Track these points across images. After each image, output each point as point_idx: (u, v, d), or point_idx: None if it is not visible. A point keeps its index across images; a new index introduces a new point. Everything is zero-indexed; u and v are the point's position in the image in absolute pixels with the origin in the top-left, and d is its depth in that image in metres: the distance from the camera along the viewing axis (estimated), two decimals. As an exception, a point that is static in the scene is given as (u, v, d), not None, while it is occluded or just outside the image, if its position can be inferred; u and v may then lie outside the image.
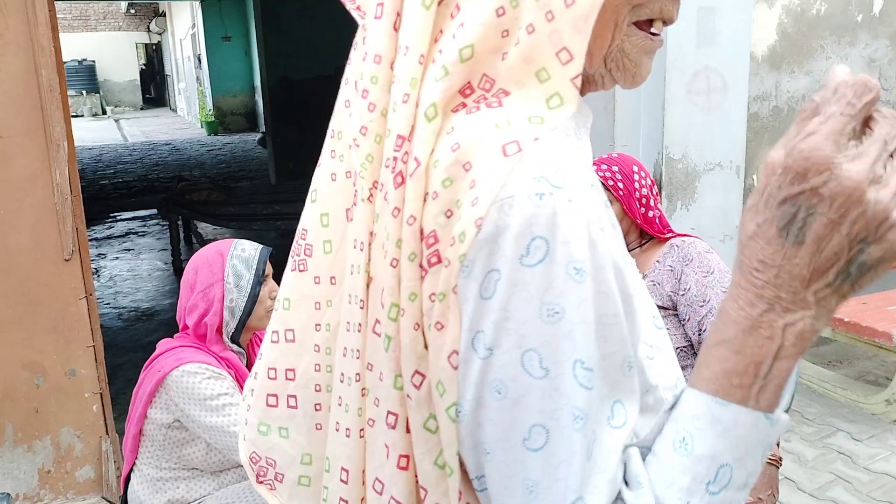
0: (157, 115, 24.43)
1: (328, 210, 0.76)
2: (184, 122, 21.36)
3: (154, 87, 27.97)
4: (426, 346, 0.64)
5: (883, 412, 3.49)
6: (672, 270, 2.02)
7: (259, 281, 1.93)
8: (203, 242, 6.99)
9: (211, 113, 17.73)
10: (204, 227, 7.80)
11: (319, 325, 0.78)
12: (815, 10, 3.86)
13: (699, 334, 1.95)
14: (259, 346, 2.07)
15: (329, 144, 0.77)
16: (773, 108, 3.89)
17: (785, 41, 3.82)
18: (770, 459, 1.71)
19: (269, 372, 0.82)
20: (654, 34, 0.71)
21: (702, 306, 1.95)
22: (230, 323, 1.93)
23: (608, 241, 0.61)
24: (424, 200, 0.62)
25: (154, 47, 27.75)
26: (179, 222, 6.62)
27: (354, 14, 0.71)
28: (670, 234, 2.10)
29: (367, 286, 0.69)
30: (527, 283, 0.58)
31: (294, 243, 0.80)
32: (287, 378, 0.81)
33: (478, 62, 0.64)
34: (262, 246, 1.99)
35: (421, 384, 0.64)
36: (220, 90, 17.50)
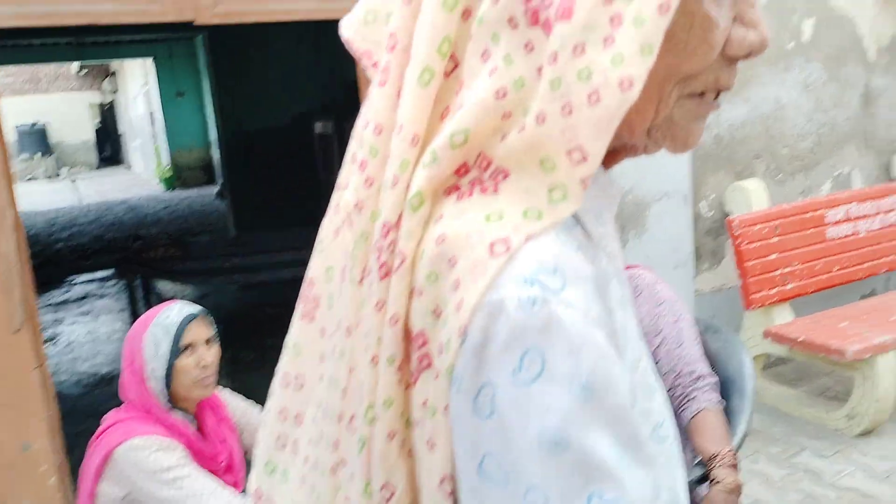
0: (112, 173, 24.17)
1: (332, 264, 0.70)
2: (140, 179, 21.16)
3: (109, 145, 27.75)
4: (410, 455, 0.59)
5: (845, 427, 3.55)
6: (623, 303, 2.05)
7: (176, 351, 1.86)
8: (162, 301, 6.89)
9: (167, 168, 17.62)
10: (164, 286, 7.70)
11: (323, 376, 0.73)
12: (748, 41, 3.99)
13: (654, 366, 1.98)
14: (210, 411, 2.04)
15: (335, 198, 0.71)
16: (715, 137, 4.00)
17: (722, 72, 3.94)
18: (730, 486, 1.72)
19: (280, 413, 0.77)
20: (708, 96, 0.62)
21: (655, 337, 1.98)
22: (159, 394, 1.87)
23: (612, 346, 0.55)
24: (411, 296, 0.57)
25: (107, 106, 27.58)
26: (138, 282, 6.53)
27: (371, 72, 0.65)
28: (620, 267, 2.13)
29: (350, 373, 0.64)
30: (523, 405, 0.51)
31: (302, 289, 0.74)
32: (296, 422, 0.76)
33: (473, 145, 0.58)
34: (191, 311, 1.94)
35: (390, 498, 0.60)
36: (176, 145, 17.42)
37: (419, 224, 0.58)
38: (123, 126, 26.26)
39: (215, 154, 14.08)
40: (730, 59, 0.60)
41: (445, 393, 0.55)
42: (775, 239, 3.85)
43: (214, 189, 14.99)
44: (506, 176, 0.57)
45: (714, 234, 4.09)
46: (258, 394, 1.44)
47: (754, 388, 2.08)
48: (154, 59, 16.51)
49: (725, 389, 2.09)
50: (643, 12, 0.52)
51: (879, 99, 4.51)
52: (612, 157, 0.66)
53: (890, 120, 4.58)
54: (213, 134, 13.16)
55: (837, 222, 4.06)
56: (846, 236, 4.08)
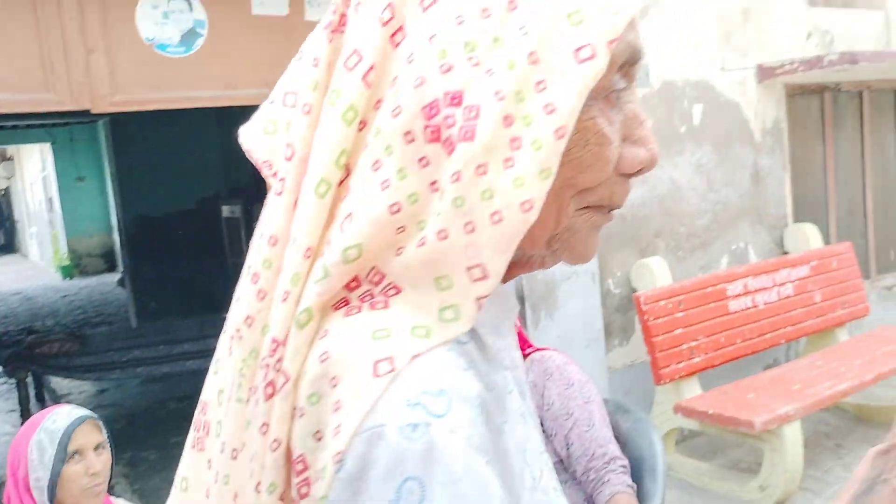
0: (7, 262, 22.98)
1: (224, 387, 0.65)
2: (36, 267, 20.18)
3: (3, 233, 26.52)
4: None
5: (759, 499, 3.58)
6: (535, 386, 2.03)
7: (62, 458, 1.74)
8: (57, 399, 6.47)
9: (66, 256, 16.89)
10: (59, 382, 7.24)
11: None
12: (644, 125, 4.18)
13: (567, 449, 1.95)
14: None
15: (232, 309, 0.69)
16: (618, 216, 4.10)
17: (621, 154, 4.10)
18: None
19: None
20: (605, 208, 0.64)
21: (566, 420, 1.96)
22: None
23: (496, 472, 0.53)
24: (293, 418, 0.55)
25: (2, 192, 26.48)
26: (29, 379, 6.11)
27: (270, 181, 0.64)
28: (530, 350, 2.12)
29: (234, 500, 0.61)
30: None
31: (196, 414, 0.70)
32: None
33: (367, 259, 0.57)
34: (79, 415, 1.82)
35: None
36: (76, 232, 16.78)
37: (306, 342, 0.56)
38: (19, 212, 25.19)
39: (117, 240, 13.64)
40: (623, 175, 0.62)
41: None
42: (680, 314, 3.95)
43: (115, 277, 14.44)
44: (398, 292, 0.57)
45: (623, 311, 4.17)
46: (161, 497, 1.32)
47: (665, 467, 2.08)
48: (53, 143, 16.04)
49: (638, 470, 2.09)
50: (541, 136, 0.54)
51: (767, 178, 4.78)
52: (510, 271, 0.65)
53: (778, 197, 4.85)
54: (114, 219, 12.77)
55: (737, 296, 4.21)
56: (746, 309, 4.23)
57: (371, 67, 0.58)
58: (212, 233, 8.95)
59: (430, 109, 0.56)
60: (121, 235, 10.13)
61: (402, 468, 0.49)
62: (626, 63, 0.61)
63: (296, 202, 0.60)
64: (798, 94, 4.99)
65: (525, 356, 2.11)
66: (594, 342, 3.85)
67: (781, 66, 4.55)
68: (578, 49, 0.56)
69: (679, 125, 4.34)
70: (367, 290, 0.58)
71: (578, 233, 0.63)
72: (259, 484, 0.57)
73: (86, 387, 6.87)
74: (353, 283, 0.58)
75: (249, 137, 0.66)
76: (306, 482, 0.53)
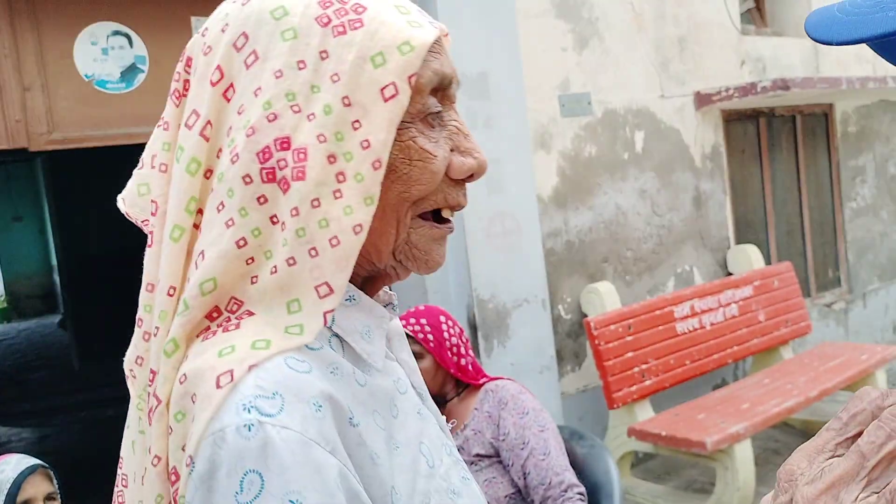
0: (-61, 307, 22.05)
1: (135, 438, 0.72)
2: (-28, 311, 19.41)
3: (-65, 276, 25.46)
4: None
5: (713, 518, 3.62)
6: (490, 416, 2.02)
7: None
8: (-6, 447, 6.19)
9: (3, 299, 16.31)
10: (-4, 429, 6.95)
11: None
12: (588, 153, 4.27)
13: (524, 478, 1.94)
14: None
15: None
16: (566, 243, 4.17)
17: (566, 182, 4.16)
18: None
19: None
20: (443, 220, 0.73)
21: (522, 449, 1.95)
22: None
23: (339, 459, 0.60)
24: (167, 435, 0.62)
25: (-66, 234, 25.49)
26: (-36, 428, 5.86)
27: (146, 229, 0.73)
28: (484, 379, 2.12)
29: None
30: None
31: (117, 471, 0.76)
32: None
33: (223, 290, 0.65)
34: (28, 465, 1.76)
35: None
36: (13, 273, 16.22)
37: (173, 368, 0.64)
38: (-47, 255, 24.27)
39: (57, 280, 13.25)
40: (455, 182, 0.73)
41: None
42: (630, 337, 3.99)
43: (56, 318, 13.99)
44: (251, 315, 0.65)
45: (574, 336, 4.20)
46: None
47: (621, 492, 2.09)
48: (-11, 183, 15.55)
49: (594, 496, 2.09)
50: (361, 170, 0.65)
51: (709, 201, 4.90)
52: (372, 285, 0.75)
53: (720, 219, 4.98)
54: (54, 259, 12.41)
55: (684, 317, 4.28)
56: (694, 330, 4.30)
57: (207, 123, 0.68)
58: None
59: (264, 154, 0.65)
60: (61, 276, 9.85)
61: (242, 463, 0.56)
62: (438, 88, 0.71)
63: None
64: (734, 120, 5.15)
65: (479, 386, 2.10)
66: (547, 369, 3.87)
67: (717, 93, 4.70)
68: (383, 88, 0.66)
69: (622, 152, 4.43)
70: (225, 318, 0.66)
71: (416, 246, 0.72)
72: (142, 502, 0.64)
73: (25, 434, 6.61)
74: (214, 314, 0.66)
75: (127, 201, 0.75)
76: (178, 491, 0.60)
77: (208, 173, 0.68)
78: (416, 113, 0.69)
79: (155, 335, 0.66)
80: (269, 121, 0.65)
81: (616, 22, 4.40)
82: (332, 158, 0.65)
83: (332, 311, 0.64)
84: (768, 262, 5.27)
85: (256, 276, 0.65)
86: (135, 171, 0.76)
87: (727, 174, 5.05)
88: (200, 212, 0.68)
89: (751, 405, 3.81)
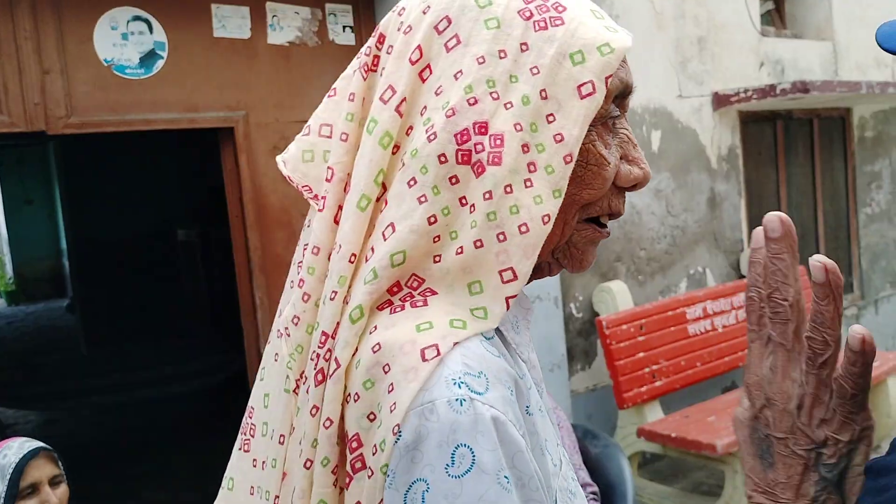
0: (-52, 287, 22.19)
1: (270, 390, 0.75)
2: (-20, 293, 19.52)
3: (-56, 257, 25.62)
4: None
5: (720, 521, 3.60)
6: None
7: (14, 494, 1.66)
8: (3, 431, 6.22)
9: (11, 281, 16.38)
10: (5, 414, 6.98)
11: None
12: (604, 151, 4.24)
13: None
14: None
15: (275, 323, 0.77)
16: (580, 241, 4.15)
17: (582, 179, 4.14)
18: None
19: None
20: (602, 226, 0.75)
21: None
22: None
23: (525, 442, 0.61)
24: (347, 402, 0.62)
25: (-56, 215, 25.63)
26: (-28, 409, 5.89)
27: (312, 203, 0.74)
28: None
29: (281, 483, 0.69)
30: (457, 496, 0.56)
31: (244, 418, 0.79)
32: None
33: (409, 264, 0.66)
34: (32, 448, 1.74)
35: None
36: (22, 256, 16.27)
37: (356, 335, 0.64)
38: (-38, 236, 24.42)
39: (66, 264, 13.31)
40: (619, 189, 0.74)
41: (380, 491, 0.59)
42: (641, 338, 3.98)
43: (64, 302, 14.04)
44: (434, 294, 0.66)
45: (585, 335, 4.19)
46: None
47: (634, 493, 2.08)
48: (0, 165, 15.62)
49: (607, 496, 2.08)
50: (552, 162, 0.67)
51: (724, 203, 4.87)
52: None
53: (734, 221, 4.95)
54: (64, 243, 12.46)
55: (696, 319, 4.26)
56: (706, 332, 4.28)
57: (403, 100, 0.69)
58: (167, 256, 8.77)
59: (462, 136, 0.66)
60: (71, 260, 9.88)
61: (454, 437, 0.57)
62: (619, 95, 0.73)
63: (336, 217, 0.70)
64: (752, 121, 5.12)
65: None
66: (557, 366, 3.86)
67: (736, 94, 4.66)
68: (580, 85, 0.68)
69: (638, 151, 4.40)
70: (408, 293, 0.66)
71: (575, 246, 0.74)
72: (308, 461, 0.65)
73: (32, 417, 6.64)
74: (395, 288, 0.66)
75: (289, 164, 0.76)
76: (360, 458, 0.61)
77: (396, 149, 0.69)
78: (599, 118, 0.70)
79: (332, 299, 0.66)
80: (470, 104, 0.66)
81: (636, 20, 4.37)
82: (525, 148, 0.66)
83: (515, 296, 0.65)
84: (781, 265, 5.24)
85: (440, 256, 0.66)
86: (298, 137, 0.77)
87: (743, 176, 5.02)
88: (383, 185, 0.69)
89: (761, 409, 3.79)
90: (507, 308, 0.65)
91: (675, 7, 4.58)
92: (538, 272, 0.76)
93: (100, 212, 8.78)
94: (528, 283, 0.75)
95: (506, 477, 0.57)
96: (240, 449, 0.78)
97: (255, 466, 0.76)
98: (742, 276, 4.90)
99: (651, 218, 4.47)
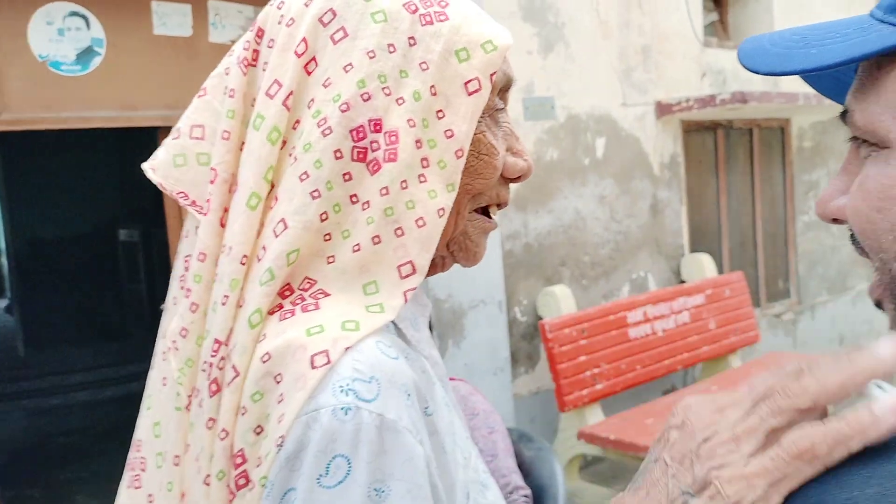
0: None
1: (160, 417, 0.72)
2: (-86, 292, 18.78)
3: None
4: None
5: (657, 522, 3.66)
6: (440, 418, 2.02)
7: None
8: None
9: (-52, 280, 15.79)
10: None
11: None
12: (549, 157, 4.29)
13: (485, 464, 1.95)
14: None
15: (159, 346, 0.74)
16: (524, 245, 4.19)
17: (527, 185, 4.18)
18: None
19: None
20: (489, 217, 0.77)
21: None
22: None
23: (425, 450, 0.60)
24: (236, 415, 0.61)
25: None
26: None
27: (191, 210, 0.71)
28: (435, 381, 2.11)
29: (181, 500, 0.67)
30: None
31: (129, 454, 0.75)
32: None
33: (301, 265, 0.65)
34: None
35: None
36: (-41, 255, 15.73)
37: (254, 341, 0.62)
38: None
39: (5, 264, 12.88)
40: (505, 180, 0.76)
41: (258, 502, 0.58)
42: (584, 341, 4.03)
43: (2, 303, 13.60)
44: (327, 295, 0.64)
45: (529, 339, 4.22)
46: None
47: (566, 495, 2.11)
48: (-64, 161, 15.05)
49: (539, 499, 2.10)
50: (444, 157, 0.68)
51: (665, 210, 4.97)
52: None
53: (675, 228, 5.05)
54: (2, 242, 12.06)
55: (637, 323, 4.33)
56: (646, 336, 4.35)
57: (290, 93, 0.67)
58: (108, 257, 8.57)
59: (358, 133, 0.66)
60: (9, 259, 9.57)
61: (332, 446, 0.56)
62: (503, 88, 0.75)
63: (222, 219, 0.67)
64: (693, 130, 5.23)
65: (430, 387, 2.10)
66: (500, 370, 3.88)
67: (678, 104, 4.76)
68: (467, 82, 0.69)
69: (583, 157, 4.47)
70: (299, 296, 0.65)
71: (470, 237, 0.74)
72: (208, 476, 0.62)
73: (-36, 421, 6.42)
74: (286, 292, 0.65)
75: (159, 171, 0.73)
76: (244, 475, 0.59)
77: (283, 143, 0.68)
78: (486, 108, 0.72)
79: (223, 304, 0.64)
80: (364, 100, 0.66)
81: (581, 28, 4.43)
82: (418, 143, 0.67)
83: (414, 289, 0.65)
84: (721, 271, 5.37)
85: (333, 256, 0.65)
86: (167, 141, 0.74)
87: (684, 183, 5.12)
88: (271, 182, 0.68)
89: (698, 412, 3.87)
90: (406, 301, 0.65)
91: (619, 16, 4.66)
92: (432, 268, 0.76)
93: (40, 211, 8.54)
94: (426, 276, 0.75)
95: (377, 490, 0.56)
96: (129, 487, 0.74)
97: (150, 502, 0.72)
98: (682, 281, 5.00)
99: (595, 223, 4.53)
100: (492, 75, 0.69)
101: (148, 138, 4.01)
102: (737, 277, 5.06)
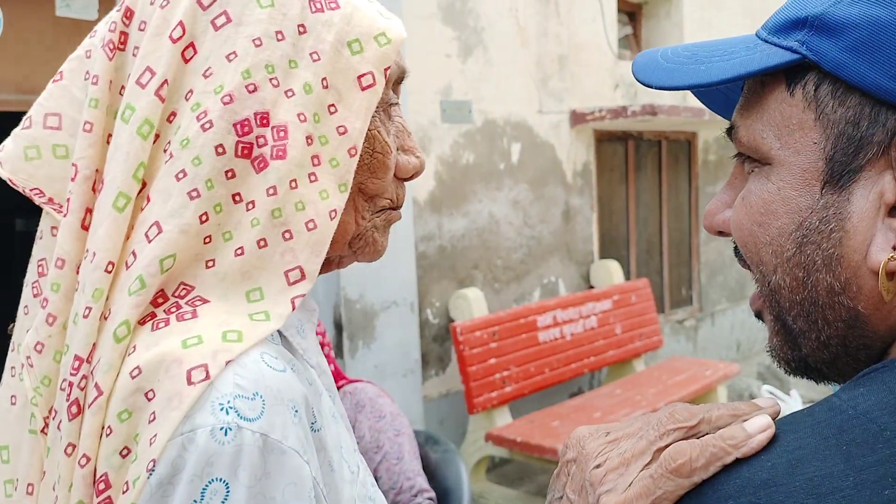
0: None
1: (9, 443, 0.64)
2: None
3: None
4: None
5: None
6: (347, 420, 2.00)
7: None
8: None
9: None
10: None
11: None
12: (465, 160, 4.32)
13: (375, 483, 1.93)
14: None
15: (9, 360, 0.66)
16: (438, 247, 4.20)
17: (442, 187, 4.19)
18: None
19: None
20: (394, 209, 0.73)
21: (376, 453, 1.94)
22: None
23: (311, 469, 0.56)
24: (100, 437, 0.55)
25: None
26: None
27: (47, 209, 0.64)
28: (343, 382, 2.09)
29: None
30: None
31: None
32: None
33: (177, 271, 0.59)
34: None
35: None
36: None
37: (120, 356, 0.56)
38: None
39: None
40: (400, 179, 0.72)
41: None
42: (494, 344, 4.07)
43: None
44: (205, 302, 0.58)
45: (440, 341, 4.24)
46: None
47: (471, 498, 2.13)
48: None
49: (445, 501, 2.11)
50: (337, 155, 0.63)
51: (577, 216, 5.08)
52: None
53: (586, 234, 5.16)
54: None
55: (547, 327, 4.41)
56: (555, 340, 4.44)
57: (164, 82, 0.61)
58: (3, 247, 8.12)
59: (242, 127, 0.60)
60: None
61: (209, 470, 0.51)
62: (397, 81, 0.72)
63: (84, 221, 0.60)
64: (606, 140, 5.37)
65: (337, 388, 2.07)
66: (411, 372, 3.88)
67: (591, 113, 4.88)
68: (361, 76, 0.65)
69: (498, 162, 4.52)
70: (174, 304, 0.58)
71: (379, 229, 0.71)
72: None
73: None
74: (159, 299, 0.59)
75: (8, 165, 0.65)
76: (107, 501, 0.53)
77: (157, 137, 0.61)
78: (379, 103, 0.68)
79: (86, 316, 0.57)
80: (250, 91, 0.61)
81: (500, 34, 4.48)
82: (309, 140, 0.62)
83: (303, 296, 0.60)
84: (628, 277, 5.52)
85: (213, 260, 0.59)
86: (16, 132, 0.66)
87: (596, 191, 5.25)
88: (143, 180, 0.61)
89: (602, 414, 3.97)
90: (293, 309, 0.60)
91: (537, 25, 4.73)
92: (326, 265, 0.72)
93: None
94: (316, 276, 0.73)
95: None
96: None
97: None
98: (591, 287, 5.12)
99: (508, 228, 4.59)
100: (386, 70, 0.66)
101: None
102: (643, 284, 5.22)
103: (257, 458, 0.52)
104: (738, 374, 4.99)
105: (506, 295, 4.60)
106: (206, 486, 0.51)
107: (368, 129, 0.67)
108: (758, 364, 6.47)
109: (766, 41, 0.54)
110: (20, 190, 0.64)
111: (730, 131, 0.59)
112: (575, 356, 4.53)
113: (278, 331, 0.65)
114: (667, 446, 0.48)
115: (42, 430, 0.60)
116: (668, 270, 6.06)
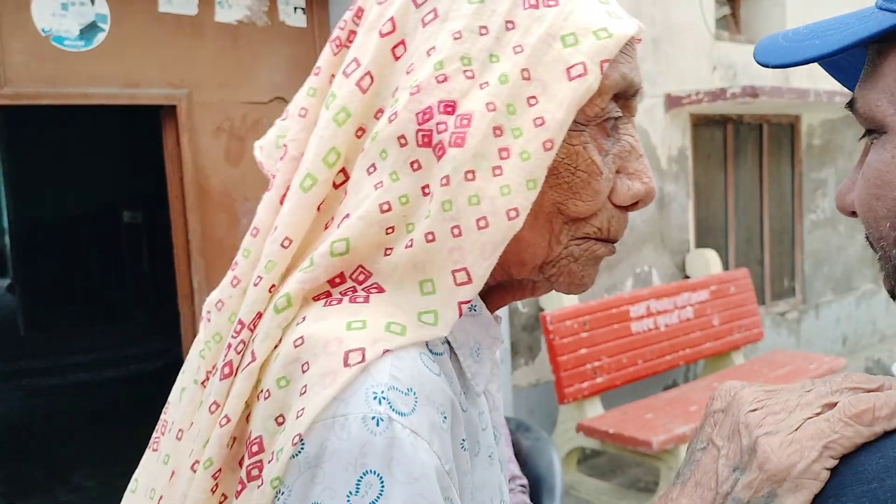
0: None
1: (187, 384, 0.67)
2: (-82, 270, 18.83)
3: None
4: None
5: (655, 518, 3.64)
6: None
7: None
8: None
9: (-50, 259, 15.83)
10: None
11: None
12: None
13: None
14: None
15: (206, 306, 0.71)
16: (528, 235, 4.15)
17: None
18: None
19: None
20: (604, 240, 0.64)
21: None
22: None
23: (450, 481, 0.53)
24: (257, 399, 0.55)
25: None
26: None
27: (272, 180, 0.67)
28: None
29: (168, 482, 0.62)
30: None
31: (161, 415, 0.71)
32: None
33: (355, 255, 0.58)
34: None
35: None
36: (-37, 234, 15.75)
37: (279, 327, 0.57)
38: None
39: (7, 243, 12.90)
40: (619, 208, 0.64)
41: None
42: (585, 334, 4.00)
43: (5, 283, 13.63)
44: (380, 291, 0.58)
45: (530, 330, 4.19)
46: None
47: (563, 486, 2.09)
48: (-58, 139, 15.05)
49: (536, 489, 2.08)
50: (529, 148, 0.57)
51: (672, 204, 4.92)
52: (500, 297, 0.67)
53: (681, 223, 5.00)
54: (5, 221, 12.05)
55: (640, 317, 4.30)
56: (648, 331, 4.32)
57: (366, 74, 0.61)
58: (111, 239, 8.56)
59: (424, 115, 0.58)
60: (12, 239, 9.58)
61: (363, 461, 0.49)
62: (622, 94, 0.62)
63: (282, 197, 0.62)
64: (702, 124, 5.18)
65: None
66: (501, 361, 3.85)
67: (688, 96, 4.71)
68: (570, 67, 0.59)
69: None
70: (350, 287, 0.59)
71: (578, 260, 0.63)
72: (196, 462, 0.57)
73: (-36, 398, 6.42)
74: (337, 280, 0.59)
75: (263, 150, 0.69)
76: (258, 465, 0.53)
77: (360, 132, 0.62)
78: (593, 116, 0.61)
79: (256, 284, 0.59)
80: (438, 82, 0.59)
81: (592, 17, 4.38)
82: (497, 131, 0.58)
83: (469, 302, 0.57)
84: (726, 267, 5.32)
85: (391, 249, 0.58)
86: (277, 122, 0.70)
87: (692, 178, 5.08)
88: (343, 171, 0.62)
89: (699, 408, 3.84)
90: (460, 314, 0.57)
91: (631, 6, 4.60)
92: (515, 293, 0.67)
93: (43, 191, 8.52)
94: (504, 303, 0.68)
95: None
96: (150, 448, 0.70)
97: (161, 465, 0.68)
98: (687, 277, 4.96)
99: (600, 216, 4.49)
100: (602, 63, 0.59)
101: (154, 118, 3.98)
102: (742, 274, 5.02)
103: (410, 457, 0.50)
104: (844, 369, 4.74)
105: (597, 285, 4.49)
106: (362, 476, 0.49)
107: (572, 145, 0.60)
108: (865, 359, 6.13)
109: (882, 9, 0.53)
110: (265, 173, 0.67)
111: (851, 106, 0.57)
112: (669, 348, 4.40)
113: (451, 348, 0.62)
114: (836, 403, 0.46)
115: (202, 383, 0.63)
116: (769, 260, 5.81)
